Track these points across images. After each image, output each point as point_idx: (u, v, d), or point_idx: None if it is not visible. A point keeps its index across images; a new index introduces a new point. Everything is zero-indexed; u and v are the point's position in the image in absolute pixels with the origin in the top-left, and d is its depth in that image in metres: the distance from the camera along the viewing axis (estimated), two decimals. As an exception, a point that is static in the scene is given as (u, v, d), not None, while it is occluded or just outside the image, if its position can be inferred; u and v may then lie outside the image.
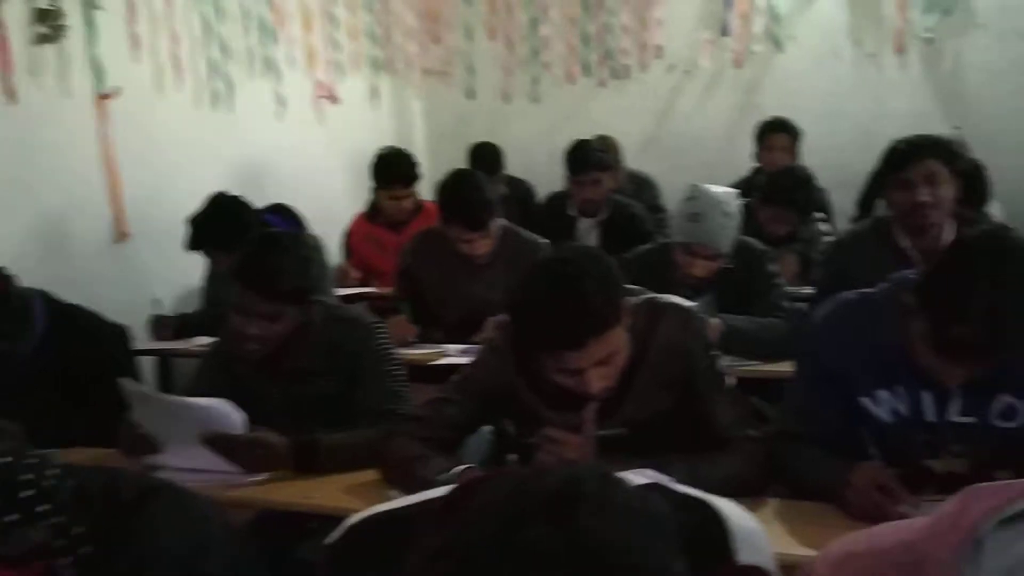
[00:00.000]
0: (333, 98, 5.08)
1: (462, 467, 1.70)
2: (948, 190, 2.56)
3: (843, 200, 4.44)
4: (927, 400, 1.75)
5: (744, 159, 4.76)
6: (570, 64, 5.62)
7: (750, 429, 1.83)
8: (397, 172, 3.93)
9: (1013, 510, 0.85)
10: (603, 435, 1.76)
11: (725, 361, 2.48)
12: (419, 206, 4.06)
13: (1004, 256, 1.53)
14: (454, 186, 2.93)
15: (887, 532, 0.99)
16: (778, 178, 3.55)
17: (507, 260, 3.11)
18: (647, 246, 2.89)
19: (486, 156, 4.88)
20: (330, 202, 4.82)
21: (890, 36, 5.10)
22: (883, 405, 1.81)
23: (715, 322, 2.55)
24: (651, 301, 1.86)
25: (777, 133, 4.50)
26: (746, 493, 1.74)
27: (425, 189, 5.61)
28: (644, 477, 1.55)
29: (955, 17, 4.99)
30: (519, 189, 5.13)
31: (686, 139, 5.45)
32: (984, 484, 0.91)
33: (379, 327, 2.19)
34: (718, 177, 4.75)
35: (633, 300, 1.84)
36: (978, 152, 4.62)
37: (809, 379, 1.91)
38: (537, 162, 5.24)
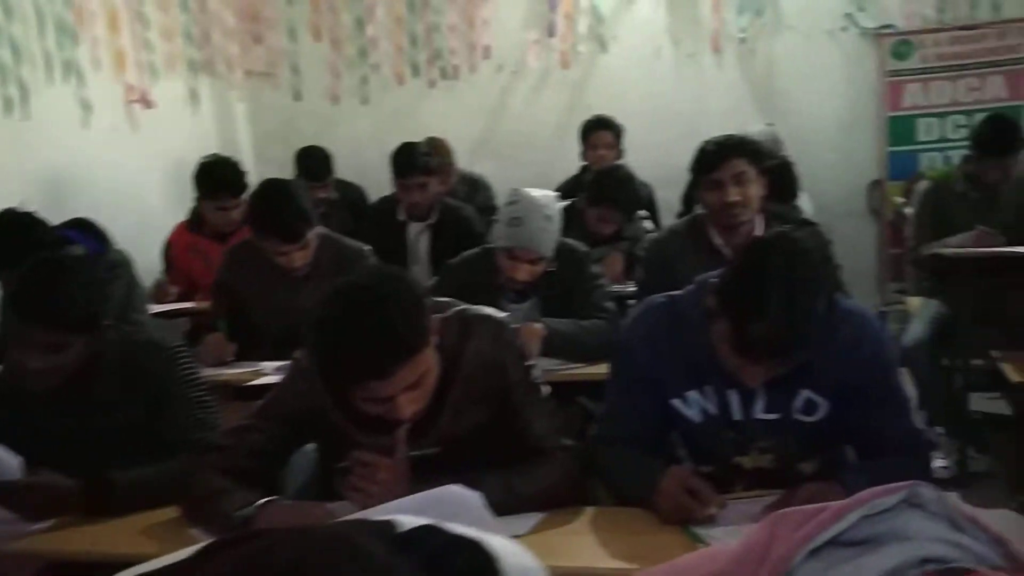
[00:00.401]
0: (146, 102, 4.80)
1: (263, 500, 1.60)
2: (756, 188, 2.65)
3: (669, 196, 4.56)
4: (734, 399, 1.79)
5: (575, 158, 4.81)
6: (398, 65, 5.53)
7: (565, 439, 1.81)
8: (223, 181, 3.72)
9: (822, 539, 0.85)
10: (416, 456, 1.70)
11: (549, 364, 2.52)
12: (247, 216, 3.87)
13: (796, 257, 1.57)
14: (265, 197, 2.79)
15: (692, 564, 0.97)
16: (600, 178, 3.59)
17: (329, 270, 2.99)
18: (472, 251, 2.85)
19: (313, 160, 4.73)
20: (148, 213, 4.55)
21: (707, 36, 5.28)
22: (693, 406, 1.83)
23: (537, 327, 2.54)
24: (461, 315, 1.81)
25: (600, 131, 4.57)
26: (561, 503, 1.73)
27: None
28: (435, 509, 1.51)
29: (766, 18, 5.22)
30: (350, 193, 5.00)
31: (517, 139, 5.47)
32: (790, 509, 0.89)
33: (181, 350, 2.05)
34: (550, 176, 4.82)
35: (442, 315, 1.78)
36: (790, 147, 4.86)
37: (623, 382, 1.91)
38: (368, 165, 5.12)
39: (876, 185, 5.22)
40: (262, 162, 5.64)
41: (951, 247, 3.74)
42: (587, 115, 4.79)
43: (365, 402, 1.59)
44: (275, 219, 2.75)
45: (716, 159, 2.63)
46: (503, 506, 1.69)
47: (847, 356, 1.73)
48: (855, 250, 5.27)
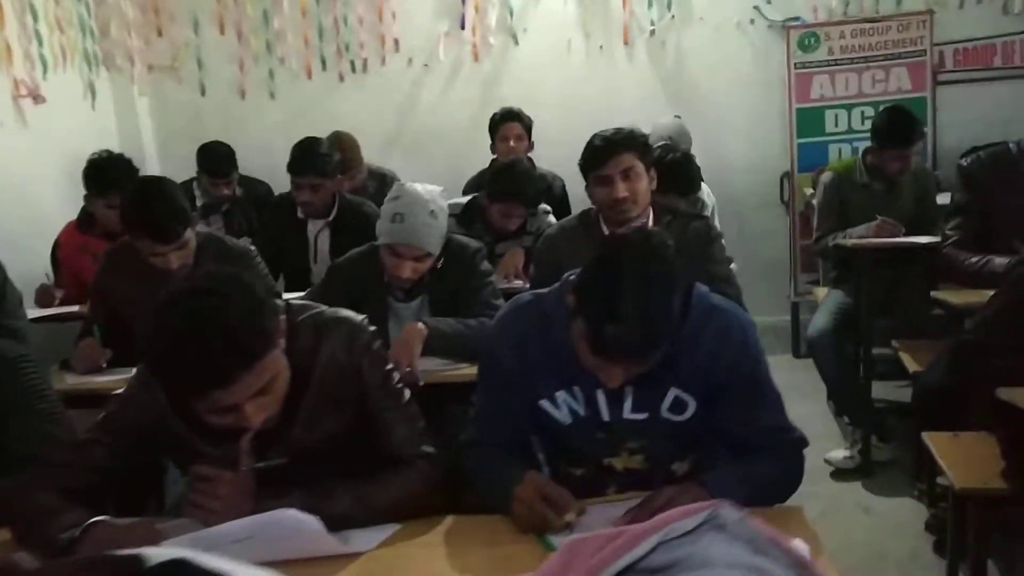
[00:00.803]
0: (37, 97, 4.59)
1: (90, 522, 1.49)
2: (645, 183, 2.60)
3: (581, 190, 4.48)
4: (602, 399, 1.74)
5: (488, 151, 4.74)
6: (306, 58, 5.39)
7: (427, 445, 1.74)
8: (112, 178, 3.57)
9: (619, 567, 0.80)
10: (261, 467, 1.61)
11: (433, 364, 2.44)
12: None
13: (650, 255, 1.53)
14: (138, 196, 2.65)
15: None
16: (501, 173, 3.52)
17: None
18: (358, 249, 2.75)
19: (215, 156, 4.57)
20: (40, 213, 4.36)
21: (618, 29, 5.25)
22: (562, 407, 1.78)
23: (419, 326, 2.46)
24: (316, 318, 1.72)
25: (508, 123, 4.51)
26: (420, 513, 1.66)
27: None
28: (267, 532, 1.43)
29: (675, 11, 5.21)
30: (255, 190, 4.86)
31: (429, 133, 5.38)
32: (587, 535, 0.84)
33: (26, 360, 1.93)
34: (463, 170, 4.75)
35: (295, 317, 1.70)
36: (701, 139, 4.86)
37: (489, 384, 1.85)
38: (277, 161, 4.87)
39: (787, 177, 5.25)
40: (167, 159, 5.47)
41: (853, 237, 3.77)
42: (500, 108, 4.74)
43: (210, 414, 1.50)
44: (148, 219, 2.63)
45: (604, 154, 2.58)
46: (356, 518, 1.62)
47: (713, 354, 1.69)
48: (768, 242, 5.32)
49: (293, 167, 3.69)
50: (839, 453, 3.75)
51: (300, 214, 3.83)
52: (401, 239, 2.53)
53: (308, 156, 3.67)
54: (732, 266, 3.82)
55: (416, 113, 5.43)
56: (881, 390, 4.01)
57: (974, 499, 2.45)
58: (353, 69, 5.39)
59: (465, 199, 3.75)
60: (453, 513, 1.67)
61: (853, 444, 3.76)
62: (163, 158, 5.53)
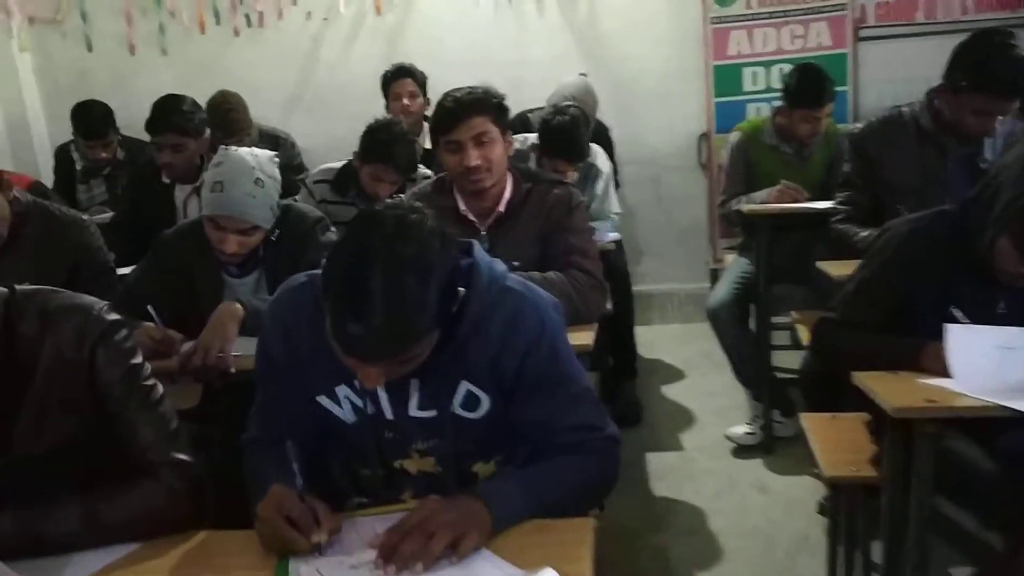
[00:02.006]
0: None
1: None
2: (500, 148, 2.36)
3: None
4: (383, 395, 1.52)
5: (393, 111, 4.48)
6: (199, 11, 5.06)
7: (179, 451, 1.51)
8: None
9: None
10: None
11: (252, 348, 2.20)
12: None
13: (402, 237, 1.29)
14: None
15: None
16: (372, 133, 3.26)
17: (35, 241, 2.61)
18: (186, 221, 2.50)
19: (90, 116, 4.26)
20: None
21: (529, -22, 4.98)
22: (344, 403, 1.56)
23: (235, 306, 2.23)
24: (44, 304, 1.48)
25: (400, 79, 4.26)
26: (165, 529, 1.43)
27: (47, 156, 4.92)
28: None
29: (589, -37, 4.95)
30: (139, 152, 4.54)
31: (331, 91, 5.10)
32: None
33: None
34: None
35: (20, 304, 1.46)
36: (614, 97, 4.63)
37: (264, 376, 1.62)
38: None
39: (704, 138, 5.04)
40: (54, 120, 5.14)
41: (754, 202, 3.57)
42: (406, 65, 4.47)
43: None
44: None
45: (453, 118, 2.32)
46: (84, 539, 1.39)
47: (503, 342, 1.48)
48: (686, 206, 5.13)
49: (150, 126, 3.40)
50: (740, 429, 3.60)
51: (165, 179, 3.55)
52: (221, 210, 2.28)
53: (166, 113, 3.37)
54: (614, 236, 3.66)
55: (316, 70, 5.14)
56: (790, 360, 3.85)
57: (845, 486, 2.30)
58: (249, 23, 5.08)
59: (339, 163, 3.49)
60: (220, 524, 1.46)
61: (755, 419, 3.60)
62: (51, 119, 5.20)
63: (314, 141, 4.95)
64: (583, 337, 2.14)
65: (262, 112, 4.79)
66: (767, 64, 4.87)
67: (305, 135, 4.93)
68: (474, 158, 2.31)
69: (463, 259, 1.46)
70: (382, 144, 3.22)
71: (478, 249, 1.51)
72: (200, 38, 5.10)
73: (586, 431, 1.54)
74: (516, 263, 2.37)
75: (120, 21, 5.09)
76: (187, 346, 2.24)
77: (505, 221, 2.41)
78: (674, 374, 4.50)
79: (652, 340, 4.81)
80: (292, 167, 4.61)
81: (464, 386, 1.51)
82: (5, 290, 1.48)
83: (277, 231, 2.43)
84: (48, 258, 2.61)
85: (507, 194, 2.42)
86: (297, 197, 3.55)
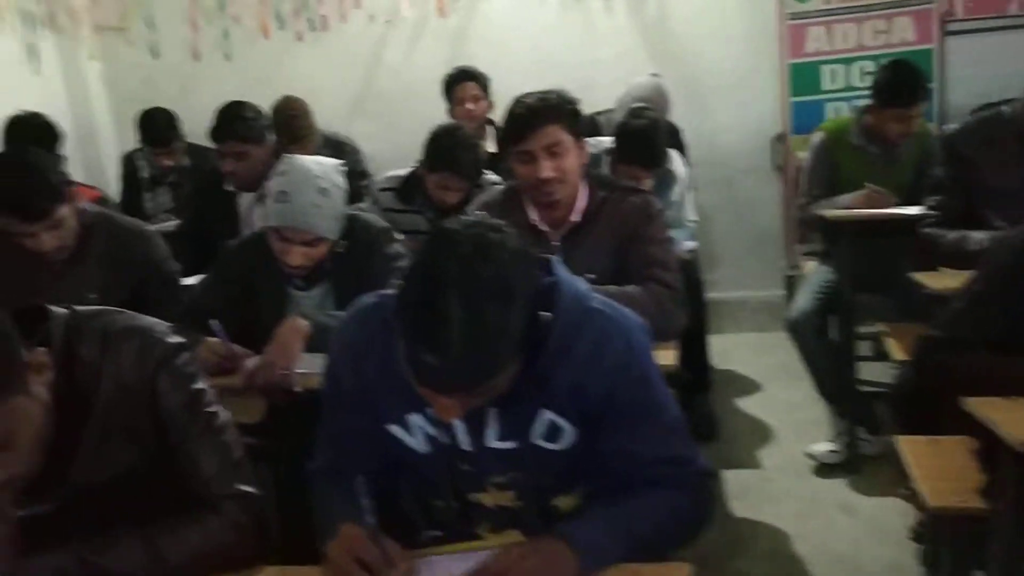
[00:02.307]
0: (-35, 62, 4.29)
1: None
2: (575, 158, 2.23)
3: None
4: (459, 425, 1.41)
5: (455, 116, 4.40)
6: (262, 16, 5.03)
7: (244, 483, 1.42)
8: (30, 142, 3.26)
9: None
10: (24, 516, 1.30)
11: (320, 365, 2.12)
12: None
13: (481, 258, 1.18)
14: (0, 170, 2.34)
15: None
16: (435, 140, 3.15)
17: (100, 253, 2.58)
18: (250, 233, 2.43)
19: (155, 124, 4.26)
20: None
21: (595, -23, 4.85)
22: (416, 432, 1.45)
23: (300, 322, 2.14)
24: (107, 326, 1.40)
25: (463, 83, 4.16)
26: (229, 566, 1.35)
27: (114, 164, 4.93)
28: None
29: (659, -42, 4.80)
30: (204, 159, 4.52)
31: (394, 95, 5.03)
32: None
33: None
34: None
35: (82, 326, 1.38)
36: (684, 98, 4.48)
37: (332, 403, 1.53)
38: None
39: (779, 139, 4.84)
40: (121, 127, 5.15)
41: (838, 207, 3.39)
42: (470, 68, 4.38)
43: None
44: (9, 194, 2.31)
45: (525, 127, 2.19)
46: (148, 573, 1.32)
47: (588, 368, 1.36)
48: (760, 210, 4.94)
49: (214, 133, 3.35)
50: (822, 446, 3.41)
51: (229, 186, 3.50)
52: (286, 221, 2.20)
53: (229, 121, 3.32)
54: (692, 245, 3.50)
55: (379, 74, 5.08)
56: (876, 372, 3.65)
57: (950, 519, 2.13)
58: (312, 27, 5.04)
59: (405, 171, 3.40)
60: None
61: (838, 436, 3.41)
62: (117, 126, 5.22)
63: (377, 146, 4.87)
64: (665, 356, 2.01)
65: (325, 117, 4.72)
66: (847, 61, 4.65)
67: (368, 140, 4.84)
68: (547, 169, 2.19)
69: (543, 277, 1.35)
70: (446, 151, 3.12)
71: (559, 266, 1.40)
72: (263, 43, 5.08)
73: (677, 464, 1.41)
74: (591, 276, 2.25)
75: (185, 28, 5.09)
76: (251, 362, 2.16)
77: (579, 231, 2.29)
78: (749, 386, 4.31)
79: (725, 350, 4.62)
80: (355, 173, 4.53)
81: (545, 415, 1.40)
82: (66, 311, 1.41)
83: (343, 242, 2.34)
84: (114, 270, 2.58)
85: (581, 203, 2.30)
86: (362, 205, 3.48)
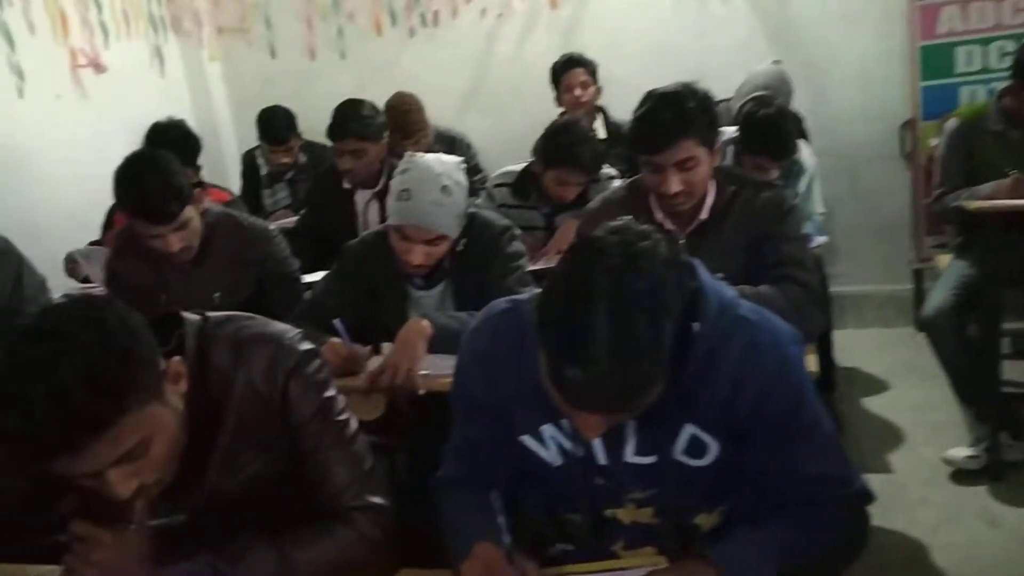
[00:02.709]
0: (98, 67, 4.45)
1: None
2: (704, 169, 2.12)
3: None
4: (596, 438, 1.35)
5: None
6: (376, 13, 5.06)
7: (374, 494, 1.40)
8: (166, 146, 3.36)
9: None
10: (157, 525, 1.31)
11: (442, 367, 2.09)
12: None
13: (631, 269, 1.11)
14: (126, 173, 2.40)
15: None
16: (553, 134, 3.10)
17: (225, 253, 2.63)
18: (370, 231, 2.42)
19: (273, 123, 4.33)
20: (106, 187, 4.22)
21: (710, -38, 4.69)
22: (550, 444, 1.40)
23: (423, 323, 2.12)
24: (237, 334, 1.40)
25: (570, 70, 4.10)
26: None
27: (235, 162, 5.06)
28: None
29: (778, -62, 4.61)
30: (320, 157, 4.59)
31: (505, 88, 4.98)
32: None
33: None
34: (542, 128, 4.34)
35: (213, 335, 1.39)
36: (806, 86, 4.31)
37: (461, 412, 1.49)
38: None
39: (908, 125, 4.59)
40: (241, 126, 5.27)
41: (979, 197, 3.18)
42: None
43: (71, 478, 1.20)
44: (137, 197, 2.37)
45: (656, 143, 2.06)
46: (277, 584, 1.31)
47: (738, 381, 1.28)
48: (886, 200, 4.71)
49: (331, 132, 3.38)
50: (961, 451, 3.21)
51: (347, 184, 3.53)
52: (407, 219, 2.19)
53: (346, 119, 3.35)
54: (821, 239, 3.33)
55: (491, 68, 5.03)
56: (1020, 371, 3.43)
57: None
58: (424, 23, 5.04)
59: (520, 166, 3.36)
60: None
61: (978, 441, 3.21)
62: (237, 125, 5.35)
63: (489, 141, 4.86)
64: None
65: (437, 112, 4.74)
66: (984, 42, 4.37)
67: (480, 135, 4.84)
68: (675, 184, 2.09)
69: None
70: (564, 147, 3.07)
71: (703, 271, 1.32)
72: (377, 40, 5.11)
73: (831, 484, 1.32)
74: (720, 275, 2.15)
75: (301, 27, 5.16)
76: (374, 362, 2.16)
77: (707, 229, 2.20)
78: (875, 385, 4.12)
79: (848, 346, 4.43)
80: (468, 169, 4.51)
81: (689, 430, 1.32)
82: (198, 318, 1.41)
83: (463, 240, 2.31)
84: (237, 268, 2.62)
85: (709, 199, 2.21)
86: (477, 201, 3.46)
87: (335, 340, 2.17)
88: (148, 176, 2.36)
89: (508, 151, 4.28)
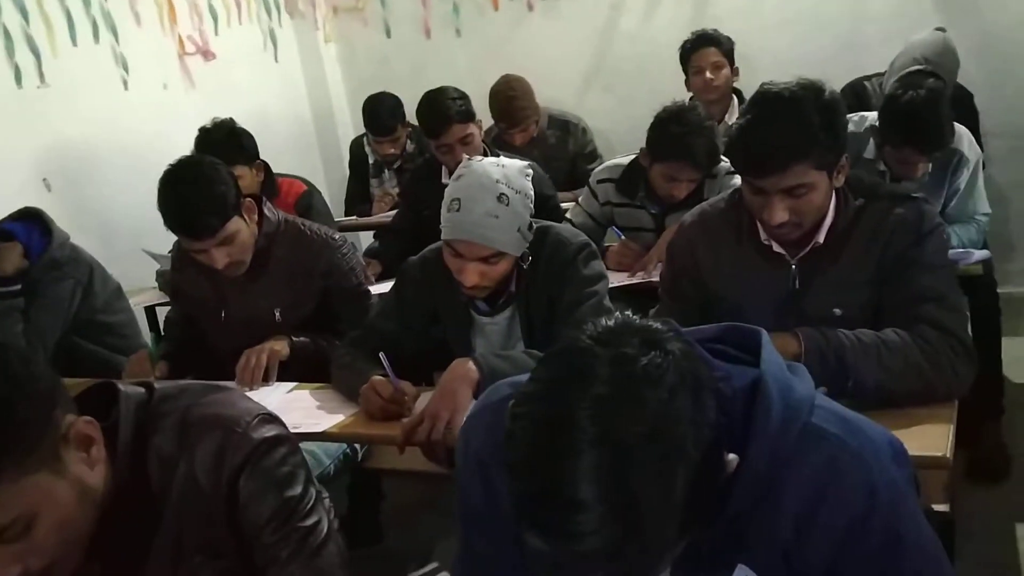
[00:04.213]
0: (207, 54, 4.36)
1: None
2: (821, 193, 1.68)
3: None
4: None
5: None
6: (492, -14, 4.76)
7: None
8: (226, 147, 3.20)
9: None
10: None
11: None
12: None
13: (620, 411, 0.79)
14: (166, 185, 2.18)
15: None
16: (664, 125, 2.69)
17: (284, 264, 2.41)
18: (432, 246, 2.12)
19: (377, 112, 4.10)
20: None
21: (866, -78, 4.11)
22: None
23: (469, 367, 1.79)
24: (186, 414, 1.14)
25: (701, 49, 3.66)
26: None
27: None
28: None
29: None
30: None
31: (630, 66, 4.57)
32: None
33: None
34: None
35: (158, 414, 1.13)
36: (972, 57, 3.68)
37: (464, 520, 1.18)
38: None
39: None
40: (357, 109, 5.04)
41: None
42: (716, 32, 3.87)
43: None
44: (175, 210, 2.17)
45: (760, 167, 1.65)
46: None
47: (806, 518, 0.92)
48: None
49: (428, 130, 3.14)
50: None
51: (445, 179, 3.26)
52: (457, 234, 1.88)
53: (435, 110, 3.07)
54: (981, 255, 2.75)
55: (615, 43, 4.62)
56: None
57: None
58: (543, -5, 4.68)
59: (628, 158, 2.97)
60: None
61: None
62: (352, 108, 5.18)
63: (611, 123, 4.48)
64: (933, 433, 1.47)
65: (555, 93, 4.41)
66: None
67: (602, 116, 4.48)
68: (780, 214, 1.66)
69: (741, 371, 0.92)
70: (675, 138, 2.66)
71: (768, 347, 0.95)
72: (493, 15, 4.80)
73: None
74: (838, 311, 1.73)
75: (416, 4, 4.91)
76: (422, 402, 1.86)
77: (824, 252, 1.76)
78: (1056, 408, 3.50)
79: (1020, 358, 3.80)
80: (584, 155, 4.19)
81: (742, 573, 0.97)
82: (142, 391, 1.16)
83: (530, 258, 1.98)
84: (298, 280, 2.42)
85: (828, 218, 1.76)
86: (580, 199, 3.11)
87: (378, 378, 1.89)
88: (185, 188, 2.15)
89: (631, 135, 3.85)
